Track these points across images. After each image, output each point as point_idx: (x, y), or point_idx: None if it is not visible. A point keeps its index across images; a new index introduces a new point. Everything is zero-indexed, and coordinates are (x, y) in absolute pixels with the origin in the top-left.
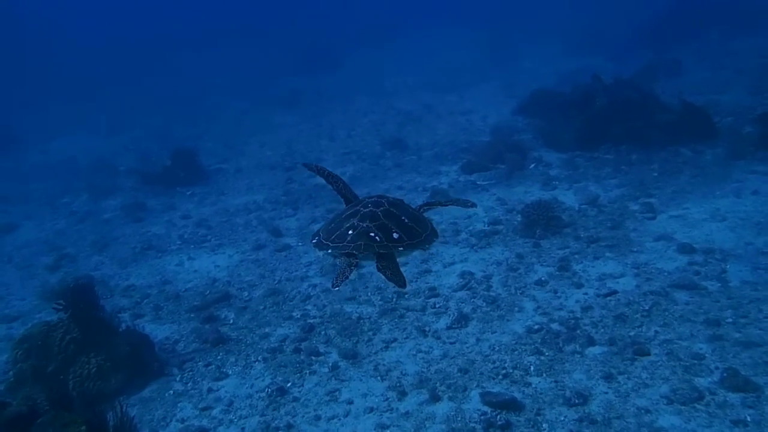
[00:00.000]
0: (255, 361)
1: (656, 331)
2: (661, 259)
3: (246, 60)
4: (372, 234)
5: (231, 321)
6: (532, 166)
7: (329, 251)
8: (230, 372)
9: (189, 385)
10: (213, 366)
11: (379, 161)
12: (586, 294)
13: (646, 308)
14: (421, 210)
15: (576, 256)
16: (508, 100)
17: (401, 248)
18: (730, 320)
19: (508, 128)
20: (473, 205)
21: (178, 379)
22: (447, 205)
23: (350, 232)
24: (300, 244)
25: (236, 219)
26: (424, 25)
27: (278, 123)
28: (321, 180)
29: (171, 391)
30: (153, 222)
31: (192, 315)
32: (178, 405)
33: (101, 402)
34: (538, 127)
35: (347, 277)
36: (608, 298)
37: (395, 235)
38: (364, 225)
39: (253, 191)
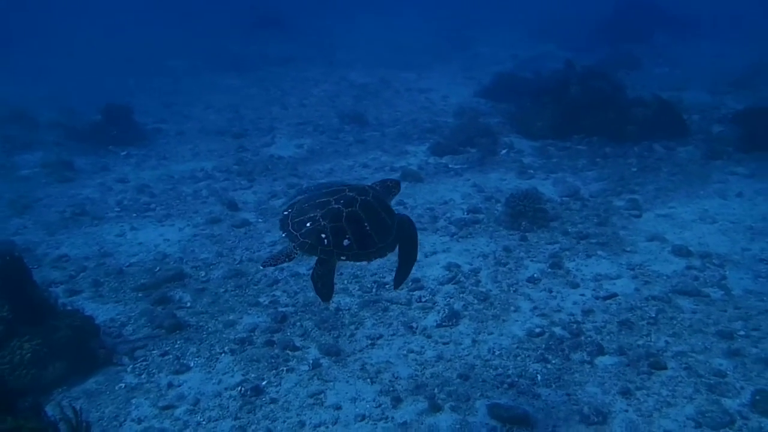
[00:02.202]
0: (221, 353)
1: (667, 342)
2: (657, 262)
3: (184, 18)
4: (323, 236)
5: (188, 304)
6: (504, 152)
7: (284, 235)
8: (192, 364)
9: (143, 377)
10: (171, 356)
11: (338, 135)
12: (583, 295)
13: (653, 315)
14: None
15: (567, 252)
16: (467, 81)
17: (344, 258)
18: (742, 333)
19: (473, 110)
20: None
21: (129, 369)
22: None
23: (308, 224)
24: (260, 220)
25: (183, 187)
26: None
27: (222, 86)
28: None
29: (122, 384)
30: (84, 184)
31: (140, 294)
32: (132, 401)
33: (37, 393)
34: (507, 112)
35: (278, 264)
36: (608, 301)
37: (345, 242)
38: (322, 223)
39: (200, 158)
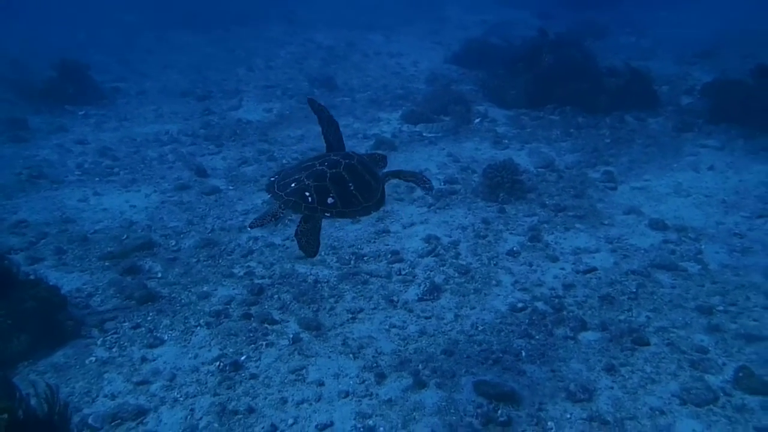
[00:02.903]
0: (196, 326)
1: (648, 317)
2: (634, 235)
3: None
4: (307, 194)
5: (159, 275)
6: (477, 120)
7: (269, 196)
8: (166, 337)
9: (114, 351)
10: (143, 329)
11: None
12: (563, 269)
13: (633, 290)
14: (386, 178)
15: (545, 225)
16: (436, 46)
17: (328, 214)
18: (721, 308)
19: (444, 77)
20: (430, 188)
21: (99, 342)
22: (407, 180)
23: (292, 185)
24: (231, 188)
25: (147, 151)
26: None
27: (180, 43)
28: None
29: (92, 358)
30: (40, 145)
31: (107, 263)
32: (105, 376)
33: (1, 367)
34: (480, 80)
35: (263, 224)
36: (588, 275)
37: (329, 200)
38: (306, 183)
39: (164, 120)
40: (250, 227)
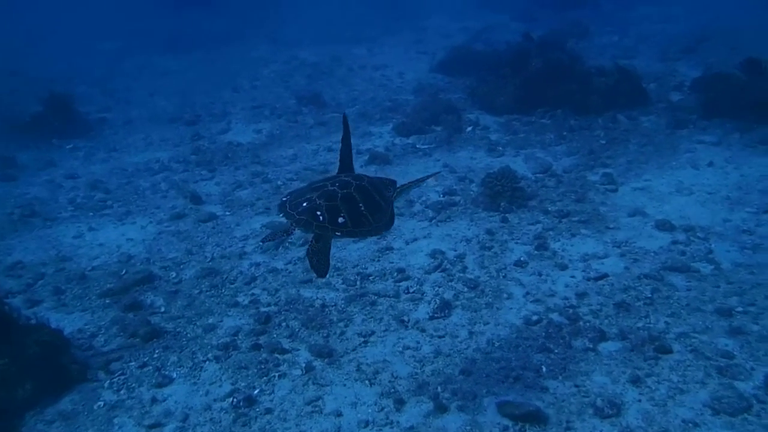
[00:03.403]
0: (204, 361)
1: (667, 323)
2: (641, 237)
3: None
4: (318, 213)
5: (162, 309)
6: (469, 129)
7: (281, 215)
8: (175, 375)
9: (123, 393)
10: (150, 367)
11: (297, 118)
12: (573, 277)
13: (648, 295)
14: (396, 193)
15: (550, 232)
16: (420, 56)
17: (338, 233)
18: (740, 309)
19: (432, 87)
20: (437, 172)
21: (106, 385)
22: (421, 184)
23: (304, 204)
24: (228, 213)
25: (139, 181)
26: None
27: (163, 69)
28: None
29: (101, 403)
30: (30, 182)
31: (108, 301)
32: (115, 421)
33: (8, 418)
34: (468, 87)
35: (274, 240)
36: (600, 282)
37: (340, 220)
38: (318, 202)
39: (154, 148)
40: (263, 242)
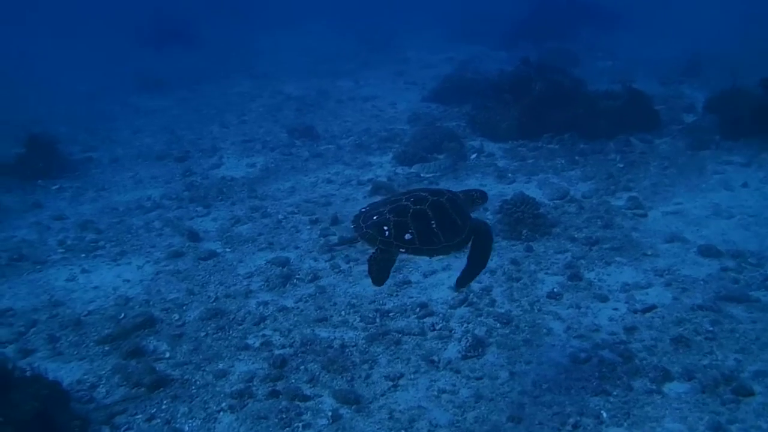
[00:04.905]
0: (219, 411)
1: (738, 360)
2: (685, 265)
3: (82, 38)
4: (385, 228)
5: (166, 354)
6: (474, 156)
7: (352, 227)
8: (187, 428)
9: None
10: (159, 420)
11: (291, 151)
12: (616, 309)
13: (709, 328)
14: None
15: (582, 261)
16: (410, 87)
17: (403, 250)
18: None
19: (427, 116)
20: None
21: None
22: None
23: (374, 218)
24: (228, 249)
25: (132, 220)
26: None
27: (145, 108)
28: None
29: None
30: (15, 225)
31: (107, 347)
32: None
33: None
34: (466, 115)
35: (342, 246)
36: (648, 314)
37: (407, 236)
38: (387, 217)
39: (144, 185)
40: (329, 248)
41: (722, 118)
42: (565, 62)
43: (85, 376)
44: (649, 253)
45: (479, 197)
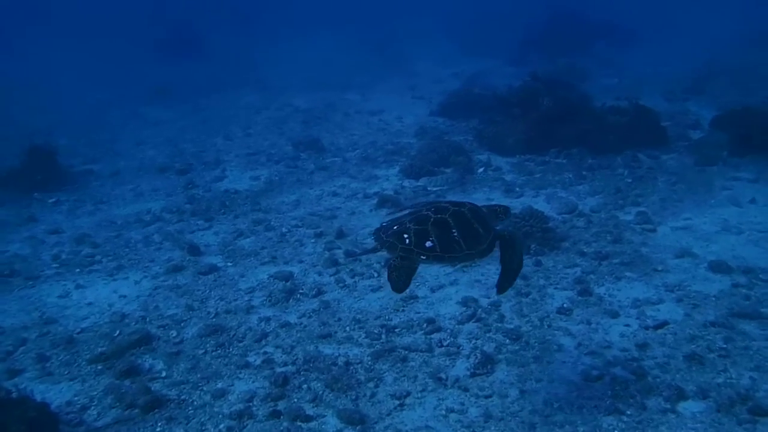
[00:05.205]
0: None
1: (753, 378)
2: (696, 280)
3: (96, 46)
4: (405, 236)
5: (163, 373)
6: (481, 170)
7: (373, 237)
8: None
9: None
10: None
11: (296, 163)
12: (628, 326)
13: (722, 345)
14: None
15: (592, 276)
16: (417, 101)
17: (424, 257)
18: None
19: (434, 129)
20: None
21: None
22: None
23: (395, 227)
24: (230, 264)
25: (130, 233)
26: (298, 30)
27: (153, 119)
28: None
29: None
30: (8, 239)
31: (100, 367)
32: None
33: None
34: (474, 129)
35: (362, 255)
36: (660, 331)
37: (428, 244)
38: (407, 226)
39: (145, 199)
40: (347, 256)
41: (731, 135)
42: (573, 78)
43: (76, 398)
44: (660, 268)
45: (502, 212)
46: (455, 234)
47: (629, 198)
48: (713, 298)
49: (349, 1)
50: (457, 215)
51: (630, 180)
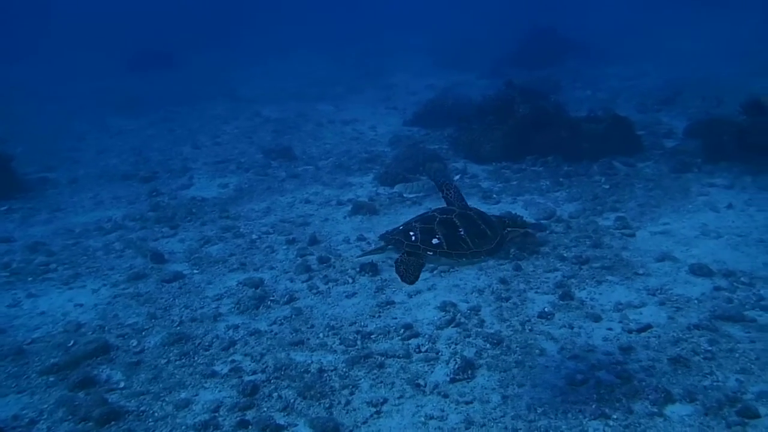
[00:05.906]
0: None
1: (739, 380)
2: (677, 284)
3: (68, 58)
4: (411, 233)
5: (121, 384)
6: (457, 177)
7: (379, 238)
8: None
9: None
10: None
11: (267, 171)
12: (611, 329)
13: (707, 348)
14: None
15: (573, 280)
16: (391, 111)
17: (430, 253)
18: None
19: (408, 138)
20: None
21: None
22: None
23: (401, 227)
24: (196, 271)
25: (89, 241)
26: (278, 48)
27: (116, 128)
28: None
29: None
30: None
31: (52, 378)
32: None
33: None
34: (449, 137)
35: (369, 254)
36: (643, 334)
37: (435, 241)
38: (414, 224)
39: (105, 206)
40: (358, 258)
41: (705, 143)
42: (547, 89)
43: (24, 411)
44: (641, 272)
45: (510, 221)
46: (462, 233)
47: (607, 204)
48: (696, 301)
49: (328, 20)
50: (463, 216)
51: (607, 186)
